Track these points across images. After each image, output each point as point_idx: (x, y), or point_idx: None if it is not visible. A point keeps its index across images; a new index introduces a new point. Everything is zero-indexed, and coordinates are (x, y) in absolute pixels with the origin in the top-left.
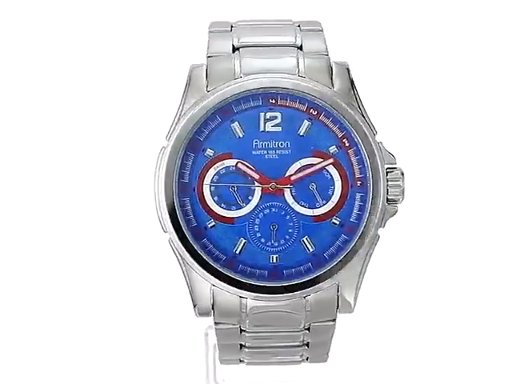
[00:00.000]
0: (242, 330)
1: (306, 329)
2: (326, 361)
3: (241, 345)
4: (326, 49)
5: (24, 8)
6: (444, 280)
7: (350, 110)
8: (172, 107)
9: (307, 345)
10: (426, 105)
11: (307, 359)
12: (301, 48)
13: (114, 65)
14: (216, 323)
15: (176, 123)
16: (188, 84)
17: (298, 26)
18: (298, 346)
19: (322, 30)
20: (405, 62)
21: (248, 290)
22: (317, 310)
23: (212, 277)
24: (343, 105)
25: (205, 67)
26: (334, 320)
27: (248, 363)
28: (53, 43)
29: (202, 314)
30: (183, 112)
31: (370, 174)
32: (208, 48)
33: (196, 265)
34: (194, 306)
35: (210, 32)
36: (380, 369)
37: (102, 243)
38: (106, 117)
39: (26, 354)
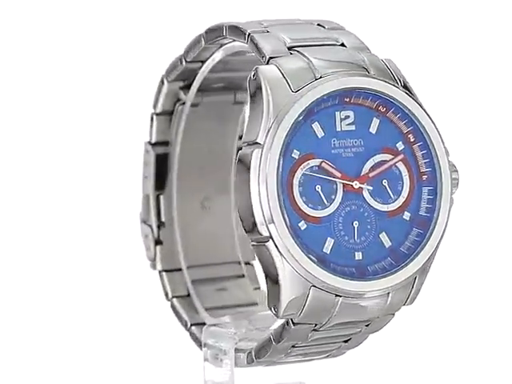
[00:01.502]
0: (314, 330)
1: (367, 324)
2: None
3: (293, 345)
4: (367, 46)
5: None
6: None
7: (418, 105)
8: None
9: (347, 340)
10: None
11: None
12: (343, 45)
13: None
14: (295, 323)
15: (272, 124)
16: (268, 85)
17: (318, 24)
18: (343, 341)
19: (344, 28)
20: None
21: (343, 288)
22: (391, 305)
23: (312, 276)
24: (412, 100)
25: (275, 68)
26: (394, 314)
27: (273, 363)
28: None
29: (287, 315)
30: (274, 113)
31: (438, 167)
32: (263, 49)
33: (298, 265)
34: (276, 309)
35: (251, 34)
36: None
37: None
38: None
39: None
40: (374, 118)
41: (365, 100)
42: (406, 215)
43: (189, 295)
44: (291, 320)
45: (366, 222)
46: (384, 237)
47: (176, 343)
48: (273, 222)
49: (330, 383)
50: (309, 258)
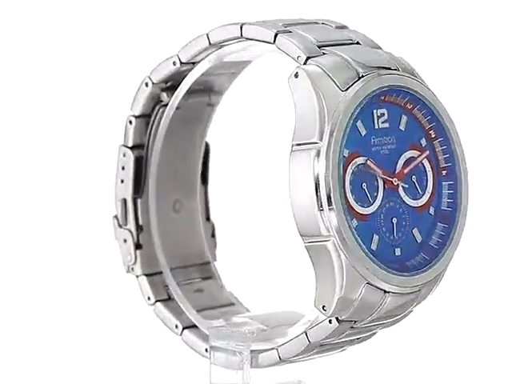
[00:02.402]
0: (351, 327)
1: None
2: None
3: (323, 343)
4: (378, 44)
5: None
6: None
7: (439, 101)
8: None
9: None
10: None
11: None
12: (358, 44)
13: None
14: (340, 321)
15: (328, 124)
16: (316, 84)
17: (323, 23)
18: (357, 339)
19: (347, 26)
20: None
21: (394, 284)
22: (420, 299)
23: (369, 273)
24: (434, 96)
25: (317, 67)
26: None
27: (289, 362)
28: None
29: (335, 314)
30: (328, 113)
31: (457, 162)
32: (298, 48)
33: (357, 263)
34: (326, 308)
35: (278, 34)
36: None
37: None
38: None
39: None
40: (403, 115)
41: (396, 98)
42: (431, 210)
43: (170, 298)
44: (336, 318)
45: (401, 218)
46: (416, 232)
47: (158, 349)
48: (335, 221)
49: (329, 382)
50: (366, 254)
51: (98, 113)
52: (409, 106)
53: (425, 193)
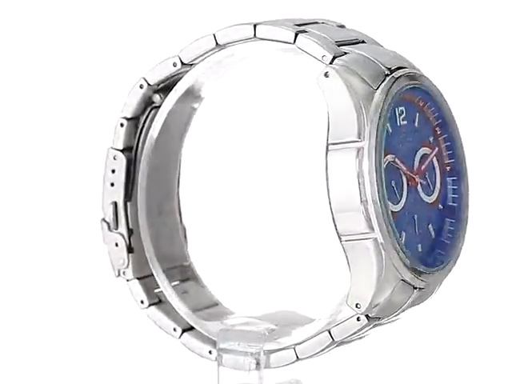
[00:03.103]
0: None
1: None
2: None
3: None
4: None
5: None
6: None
7: (444, 98)
8: None
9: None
10: None
11: None
12: (363, 42)
13: None
14: (369, 318)
15: (368, 123)
16: (348, 83)
17: (323, 23)
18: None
19: (345, 26)
20: None
21: (419, 280)
22: (430, 295)
23: (405, 269)
24: (440, 93)
25: (347, 67)
26: None
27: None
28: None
29: (367, 311)
30: (366, 112)
31: (459, 157)
32: (322, 48)
33: (397, 259)
34: (360, 305)
35: (297, 34)
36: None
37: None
38: None
39: None
40: (416, 113)
41: (411, 95)
42: (440, 206)
43: (161, 301)
44: (366, 315)
45: (420, 214)
46: (431, 228)
47: (153, 352)
48: (377, 222)
49: (326, 380)
50: (402, 251)
51: (76, 117)
52: (421, 104)
53: (435, 189)
